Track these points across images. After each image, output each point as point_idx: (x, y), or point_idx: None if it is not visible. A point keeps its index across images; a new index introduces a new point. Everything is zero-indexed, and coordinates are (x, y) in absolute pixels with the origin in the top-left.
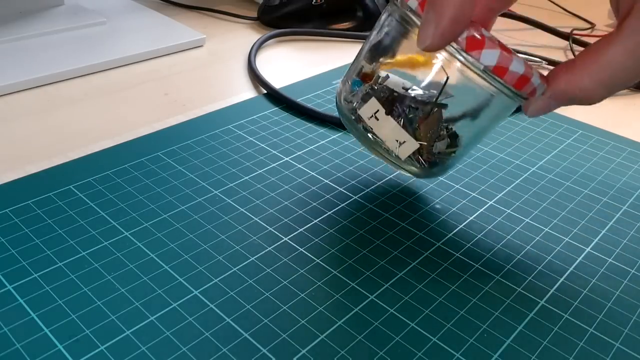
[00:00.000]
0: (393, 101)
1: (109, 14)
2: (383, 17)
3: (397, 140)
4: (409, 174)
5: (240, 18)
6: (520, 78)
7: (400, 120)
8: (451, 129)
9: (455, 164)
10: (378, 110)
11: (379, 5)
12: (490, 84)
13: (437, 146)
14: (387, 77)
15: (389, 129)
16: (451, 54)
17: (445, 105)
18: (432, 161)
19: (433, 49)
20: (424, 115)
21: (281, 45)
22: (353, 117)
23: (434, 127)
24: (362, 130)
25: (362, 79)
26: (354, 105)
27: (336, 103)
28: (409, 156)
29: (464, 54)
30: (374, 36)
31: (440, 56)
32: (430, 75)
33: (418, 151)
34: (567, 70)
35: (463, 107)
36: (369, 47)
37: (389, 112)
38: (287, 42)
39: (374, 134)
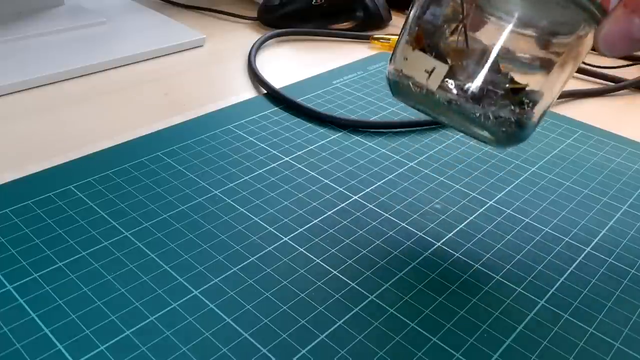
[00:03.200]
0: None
1: (109, 14)
2: None
3: (426, 71)
4: (482, 133)
5: (240, 18)
6: None
7: (432, 54)
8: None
9: (531, 116)
10: (409, 51)
11: (379, 5)
12: None
13: (486, 77)
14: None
15: (417, 63)
16: None
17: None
18: (478, 94)
19: None
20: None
21: (281, 45)
22: (394, 73)
23: (468, 55)
24: (405, 84)
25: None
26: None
27: (387, 80)
28: (441, 87)
29: None
30: (420, 6)
31: None
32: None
33: (451, 77)
34: None
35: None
36: (417, 17)
37: (416, 48)
38: (287, 42)
39: (406, 76)
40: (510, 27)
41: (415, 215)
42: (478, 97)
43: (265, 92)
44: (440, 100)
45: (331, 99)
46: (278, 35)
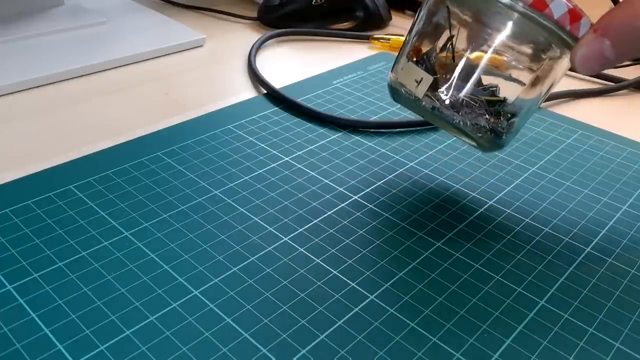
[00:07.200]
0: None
1: (109, 14)
2: (429, 4)
3: (415, 81)
4: (464, 138)
5: (240, 18)
6: None
7: (422, 66)
8: (493, 88)
9: (504, 125)
10: (404, 62)
11: (379, 5)
12: None
13: (465, 89)
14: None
15: (409, 73)
16: None
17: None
18: (457, 104)
19: None
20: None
21: (281, 45)
22: (393, 79)
23: (453, 69)
24: (400, 90)
25: (414, 56)
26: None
27: (388, 86)
28: (427, 95)
29: None
30: (420, 23)
31: None
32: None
33: (436, 87)
34: (615, 6)
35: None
36: (417, 33)
37: (411, 60)
38: (287, 42)
39: (401, 84)
40: (492, 46)
41: (415, 215)
42: (457, 106)
43: (265, 92)
44: (425, 107)
45: (331, 99)
46: (278, 35)
